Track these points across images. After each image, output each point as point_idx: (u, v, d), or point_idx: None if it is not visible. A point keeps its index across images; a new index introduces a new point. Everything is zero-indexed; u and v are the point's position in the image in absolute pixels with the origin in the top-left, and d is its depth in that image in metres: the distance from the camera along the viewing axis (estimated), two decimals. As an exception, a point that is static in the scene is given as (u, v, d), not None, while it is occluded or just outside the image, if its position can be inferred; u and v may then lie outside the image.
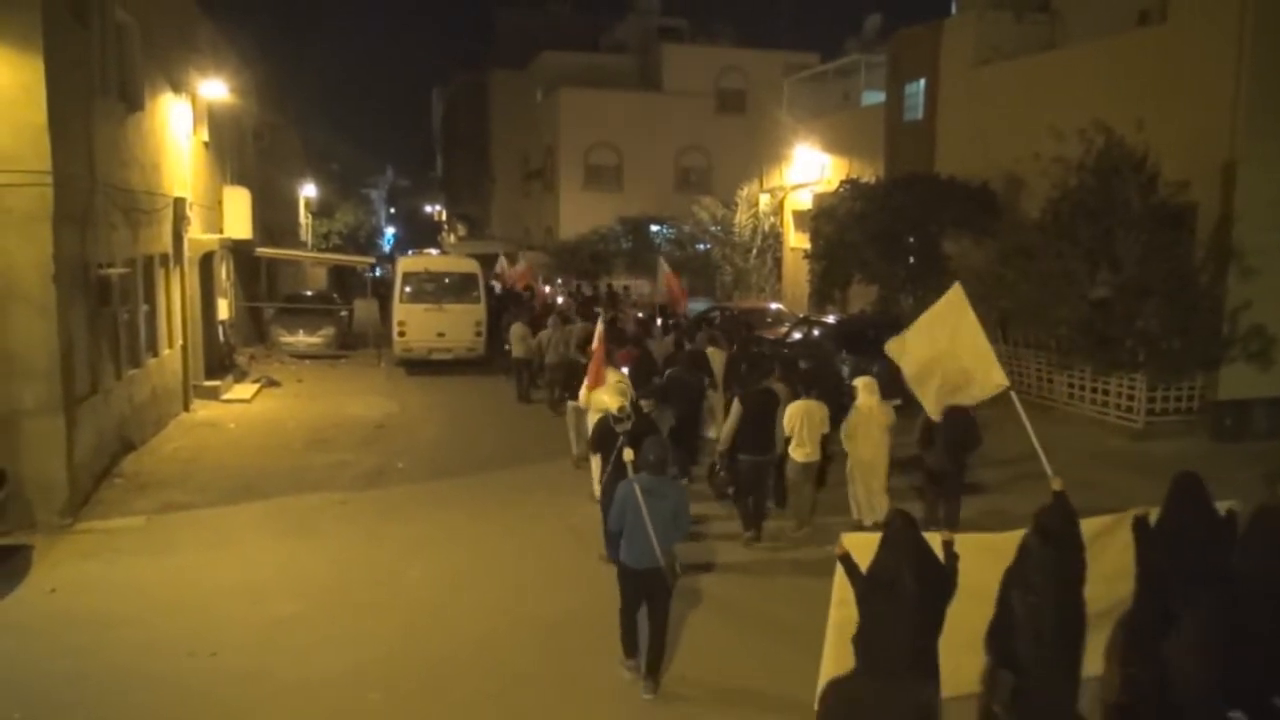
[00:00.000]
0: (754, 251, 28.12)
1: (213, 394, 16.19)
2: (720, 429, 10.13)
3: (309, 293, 28.27)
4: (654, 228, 34.12)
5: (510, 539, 9.68)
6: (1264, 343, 12.91)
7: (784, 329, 18.59)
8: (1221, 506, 5.36)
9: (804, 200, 25.58)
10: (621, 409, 8.37)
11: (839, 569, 5.10)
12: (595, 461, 9.78)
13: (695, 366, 11.84)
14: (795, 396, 9.52)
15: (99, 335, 11.22)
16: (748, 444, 9.33)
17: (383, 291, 25.74)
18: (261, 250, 22.34)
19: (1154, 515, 5.35)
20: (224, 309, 19.34)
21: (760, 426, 9.34)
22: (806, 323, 18.06)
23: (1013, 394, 6.64)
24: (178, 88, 15.49)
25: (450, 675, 6.78)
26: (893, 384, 9.27)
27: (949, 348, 7.02)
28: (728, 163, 34.23)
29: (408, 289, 19.86)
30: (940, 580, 4.80)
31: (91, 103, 11.09)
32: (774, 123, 28.03)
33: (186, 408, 15.26)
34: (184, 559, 8.96)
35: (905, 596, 4.54)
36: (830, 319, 18.06)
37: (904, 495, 9.83)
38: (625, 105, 37.62)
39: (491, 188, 51.19)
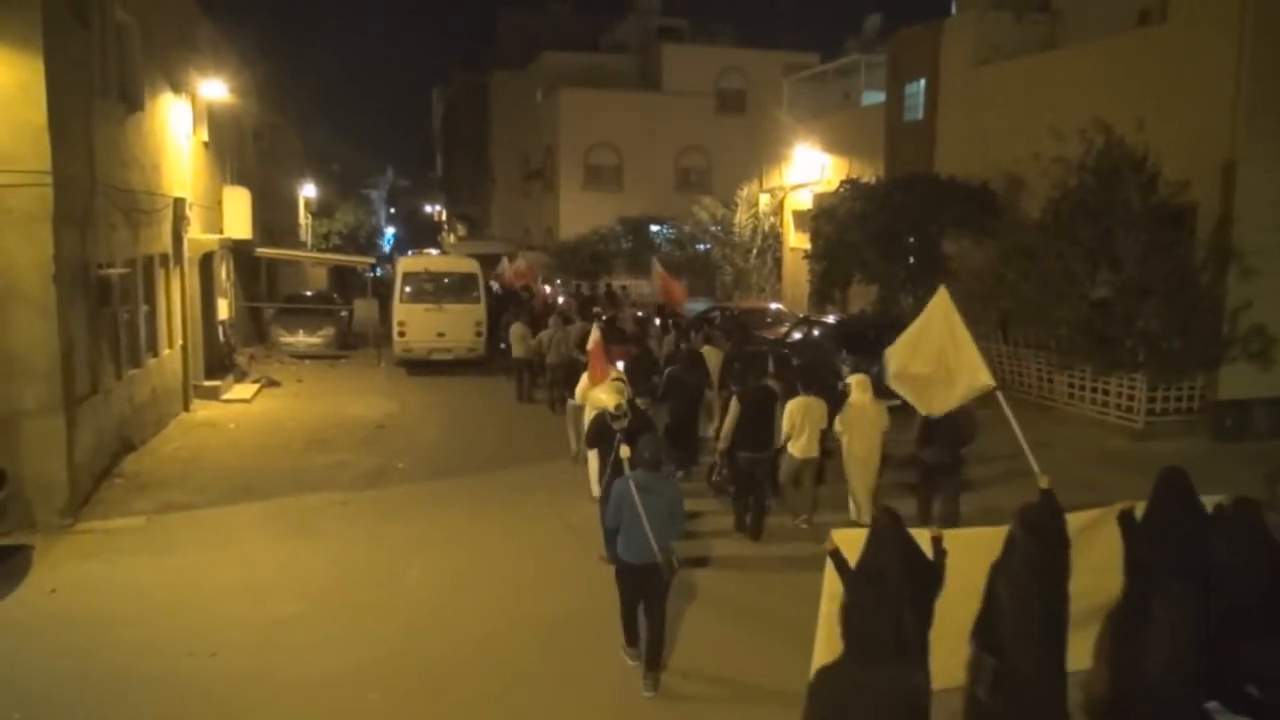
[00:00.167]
0: (754, 251, 28.13)
1: (213, 394, 16.19)
2: (716, 427, 10.16)
3: (309, 293, 28.26)
4: (654, 228, 34.14)
5: (510, 539, 9.68)
6: (1264, 342, 12.92)
7: (784, 329, 18.59)
8: (1209, 502, 5.42)
9: (804, 200, 25.58)
10: (618, 406, 8.44)
11: (829, 564, 5.20)
12: (592, 458, 9.85)
13: (694, 366, 11.88)
14: (791, 394, 9.58)
15: (99, 335, 11.22)
16: (746, 441, 9.40)
17: (382, 291, 25.74)
18: (261, 250, 22.34)
19: (1140, 509, 5.41)
20: (224, 309, 19.34)
21: (758, 424, 9.40)
22: (806, 323, 18.06)
23: (999, 394, 6.69)
24: (178, 88, 15.49)
25: (450, 675, 6.77)
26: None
27: (938, 350, 7.04)
28: (728, 163, 34.25)
29: (408, 289, 19.85)
30: (928, 575, 4.91)
31: (91, 103, 11.09)
32: (774, 123, 28.04)
33: (186, 408, 15.26)
34: (184, 559, 8.95)
35: (893, 590, 4.62)
36: (830, 319, 18.06)
37: (899, 492, 9.87)
38: (625, 105, 37.64)
39: (491, 188, 51.21)
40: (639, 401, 9.59)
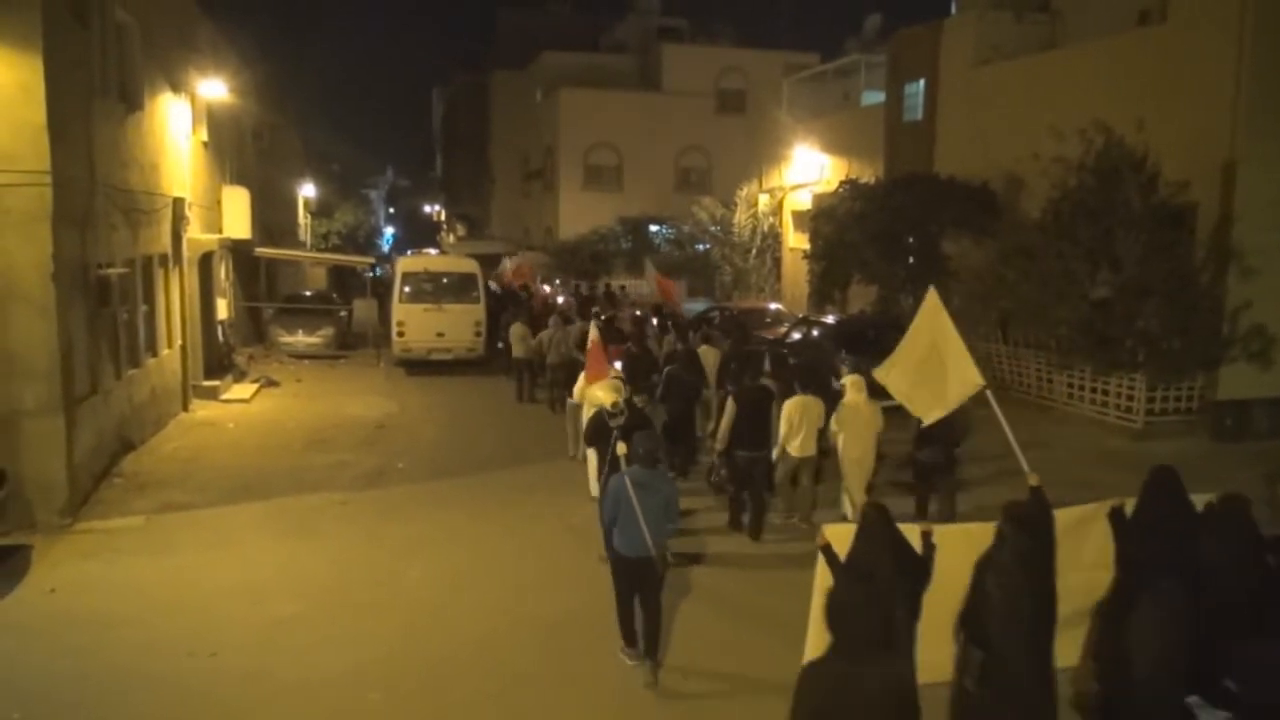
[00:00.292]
0: (753, 252, 28.13)
1: (212, 394, 16.18)
2: (713, 427, 10.21)
3: (308, 293, 28.25)
4: (654, 228, 34.13)
5: (510, 539, 9.68)
6: (1264, 343, 12.92)
7: (783, 329, 18.58)
8: (1199, 501, 5.45)
9: (803, 200, 25.58)
10: (615, 404, 8.54)
11: (820, 559, 5.30)
12: (592, 457, 9.90)
13: (691, 365, 11.93)
14: (788, 393, 9.62)
15: (98, 335, 11.21)
16: (743, 440, 9.45)
17: (381, 291, 25.74)
18: (261, 250, 22.34)
19: (1130, 507, 5.46)
20: (223, 309, 19.32)
21: (754, 423, 9.46)
22: (806, 323, 18.05)
23: (989, 393, 6.71)
24: (177, 88, 15.49)
25: (450, 675, 6.77)
26: None
27: (929, 353, 7.07)
28: (727, 163, 34.24)
29: (407, 289, 19.84)
30: (916, 569, 5.02)
31: (91, 103, 11.09)
32: (774, 123, 28.04)
33: (186, 408, 15.26)
34: (184, 559, 8.95)
35: (881, 584, 4.68)
36: (829, 319, 18.05)
37: (895, 492, 9.91)
38: (625, 105, 37.63)
39: (491, 188, 51.22)
40: (637, 400, 9.66)
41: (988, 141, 17.61)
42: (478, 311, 20.00)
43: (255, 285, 24.96)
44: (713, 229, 29.32)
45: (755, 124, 31.97)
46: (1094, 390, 13.97)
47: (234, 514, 10.35)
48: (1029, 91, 16.90)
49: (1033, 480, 5.68)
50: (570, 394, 11.96)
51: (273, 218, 28.00)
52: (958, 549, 5.14)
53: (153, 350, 13.80)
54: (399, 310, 19.78)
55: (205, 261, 17.41)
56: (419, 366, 19.78)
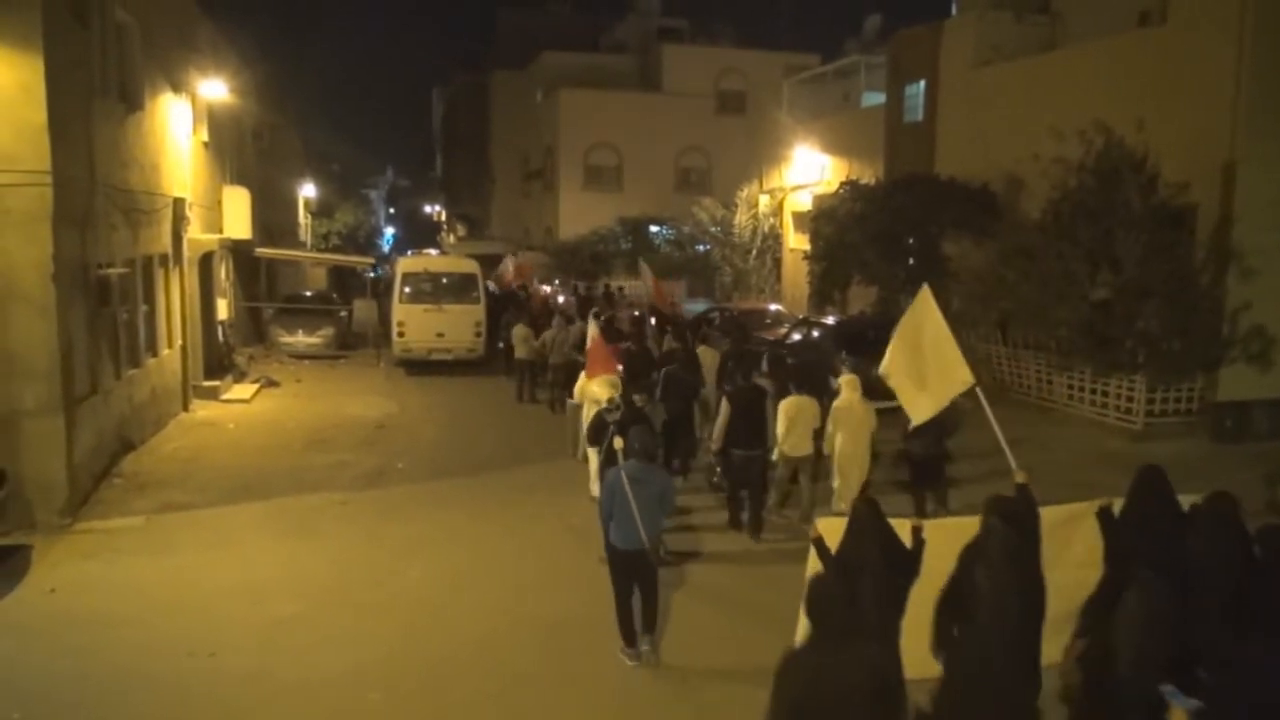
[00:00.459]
0: (754, 252, 28.13)
1: (212, 394, 16.18)
2: (710, 426, 10.39)
3: (308, 293, 28.25)
4: (654, 228, 34.13)
5: (510, 539, 9.68)
6: (1264, 344, 12.91)
7: (783, 330, 18.59)
8: (1185, 501, 5.53)
9: (804, 201, 25.58)
10: (610, 399, 8.70)
11: (812, 552, 5.40)
12: (593, 456, 9.98)
13: (689, 365, 12.03)
14: (784, 393, 9.71)
15: (99, 335, 11.22)
16: (739, 440, 9.52)
17: (380, 291, 25.73)
18: (261, 250, 22.33)
19: (1118, 505, 5.54)
20: (223, 309, 19.32)
21: (749, 422, 9.53)
22: (806, 324, 18.05)
23: (978, 391, 6.77)
24: (178, 88, 15.49)
25: (450, 675, 6.77)
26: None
27: (921, 350, 7.11)
28: (727, 164, 34.24)
29: (407, 289, 19.85)
30: (904, 564, 5.14)
31: (91, 103, 11.09)
32: (774, 124, 28.04)
33: (186, 408, 15.26)
34: (184, 559, 8.95)
35: (866, 577, 4.84)
36: (830, 320, 18.05)
37: (890, 490, 9.97)
38: (625, 106, 37.65)
39: (491, 188, 51.22)
40: (637, 398, 9.76)
41: (988, 142, 17.61)
42: (478, 312, 20.01)
43: (255, 285, 24.96)
44: (713, 230, 29.33)
45: (755, 125, 31.97)
46: (1094, 391, 13.97)
47: (234, 514, 10.35)
48: (1029, 92, 16.90)
49: (1019, 477, 5.77)
50: (571, 394, 12.02)
51: (273, 218, 28.00)
52: (946, 542, 5.22)
53: (153, 350, 13.80)
54: (399, 310, 19.78)
55: (205, 261, 17.41)
56: (419, 367, 19.78)
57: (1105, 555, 5.46)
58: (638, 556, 6.72)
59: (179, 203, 15.21)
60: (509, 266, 27.85)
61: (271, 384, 18.09)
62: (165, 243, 14.57)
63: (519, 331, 16.92)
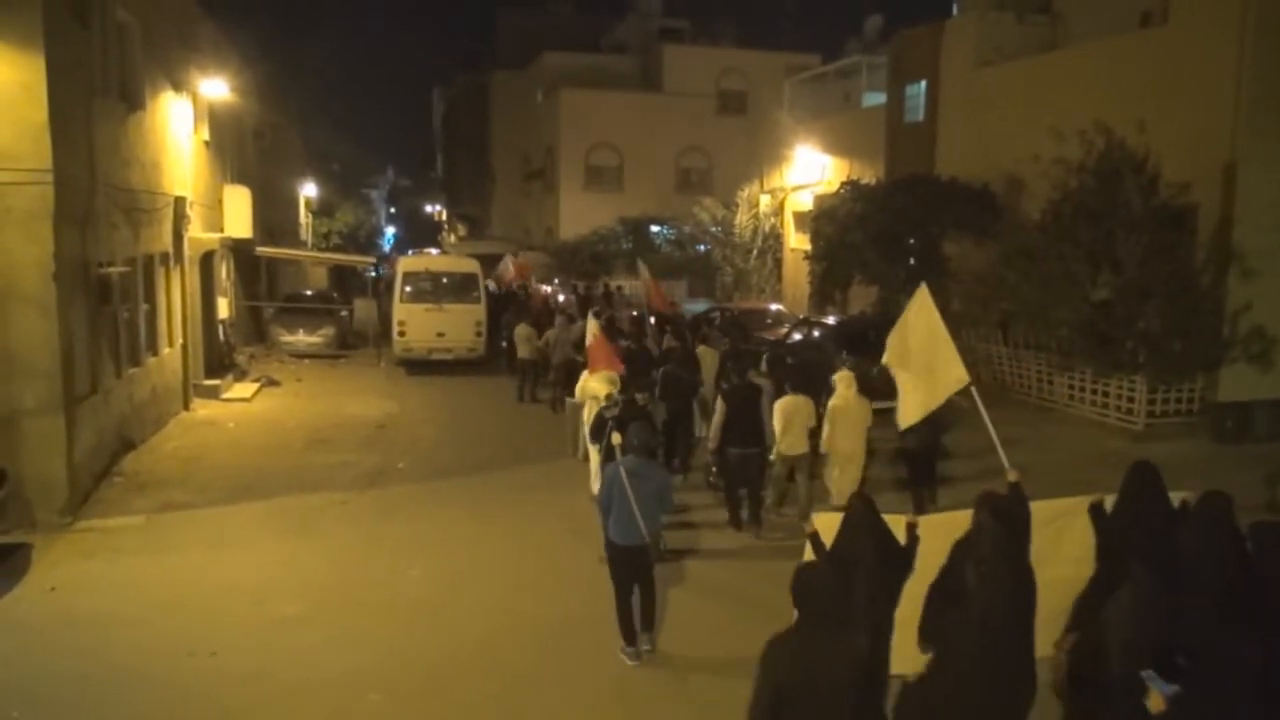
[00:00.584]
0: (754, 252, 28.12)
1: (213, 393, 16.18)
2: (708, 425, 10.51)
3: (309, 292, 28.25)
4: (654, 228, 34.12)
5: (511, 539, 9.68)
6: (1265, 344, 12.91)
7: (784, 330, 18.59)
8: (1176, 497, 5.66)
9: (804, 201, 25.58)
10: (609, 396, 8.84)
11: (808, 546, 5.54)
12: (594, 453, 10.05)
13: (687, 364, 12.13)
14: (782, 393, 9.79)
15: (99, 334, 11.21)
16: (734, 438, 9.61)
17: (380, 290, 25.73)
18: (262, 250, 22.32)
19: (1110, 502, 5.65)
20: (224, 308, 19.33)
21: (745, 420, 9.62)
22: (806, 323, 18.05)
23: (973, 389, 6.81)
24: (178, 87, 15.49)
25: (451, 675, 6.77)
26: (890, 386, 9.41)
27: (918, 350, 7.15)
28: (728, 164, 34.23)
29: (408, 289, 19.85)
30: (898, 559, 5.27)
31: (92, 102, 11.09)
32: (775, 124, 28.04)
33: (186, 407, 15.26)
34: (184, 558, 8.95)
35: (859, 570, 4.98)
36: (830, 320, 18.05)
37: (886, 487, 10.09)
38: (626, 106, 37.64)
39: (492, 188, 51.22)
40: (638, 396, 9.87)
41: (989, 143, 17.61)
42: (478, 311, 20.02)
43: (256, 284, 24.96)
44: (714, 230, 29.32)
45: (756, 125, 31.97)
46: (1095, 392, 13.96)
47: (234, 513, 10.35)
48: (1030, 93, 16.90)
49: (1012, 476, 5.87)
50: (571, 393, 12.06)
51: (274, 217, 28.00)
52: (938, 538, 5.30)
53: (153, 349, 13.80)
54: (400, 310, 19.78)
55: (206, 260, 17.41)
56: (419, 366, 19.78)
57: (1097, 550, 5.54)
58: (637, 552, 6.79)
59: (180, 202, 15.21)
60: (508, 266, 27.85)
61: (272, 383, 18.09)
62: (166, 242, 14.57)
63: (521, 331, 16.92)
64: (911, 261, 17.17)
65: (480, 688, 6.57)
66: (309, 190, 38.56)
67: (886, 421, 9.52)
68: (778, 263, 27.89)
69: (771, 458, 9.81)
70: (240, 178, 21.14)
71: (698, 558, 9.02)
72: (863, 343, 14.18)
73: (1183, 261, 12.77)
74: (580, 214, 35.88)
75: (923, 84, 20.37)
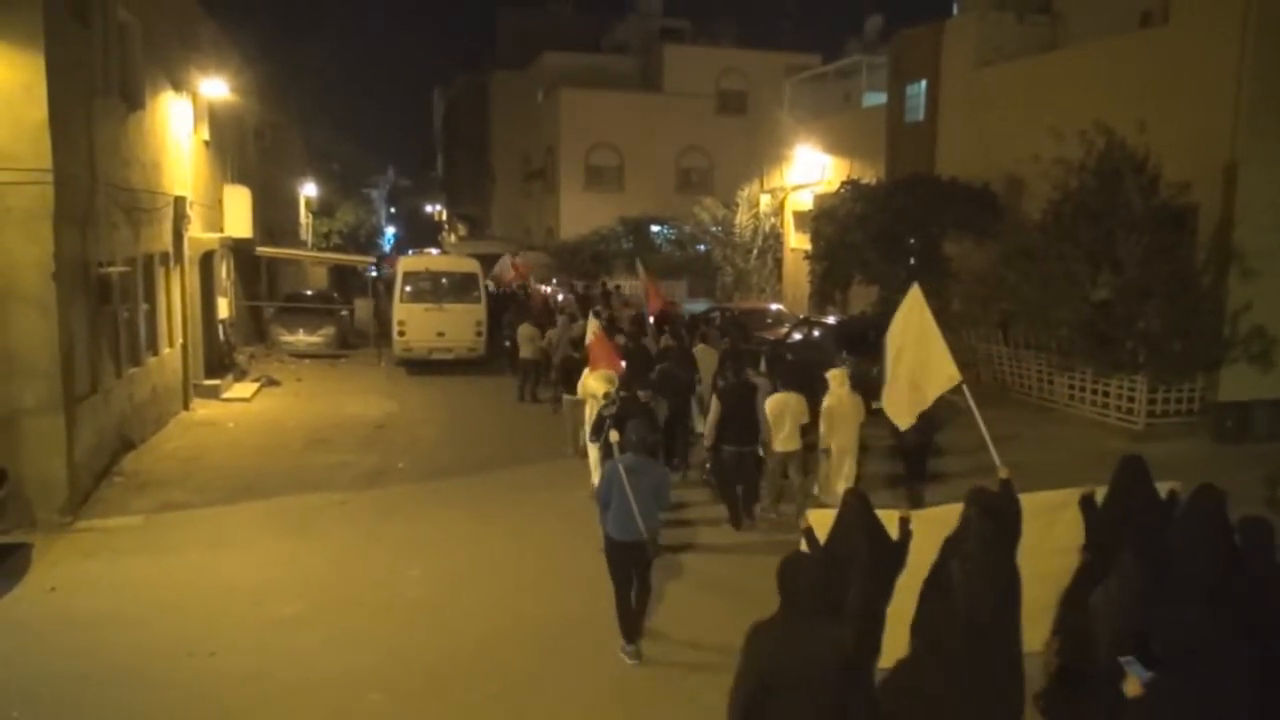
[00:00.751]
0: (754, 252, 28.12)
1: (213, 393, 16.18)
2: (704, 422, 10.64)
3: (309, 292, 28.25)
4: (655, 228, 34.12)
5: (510, 539, 9.68)
6: (1265, 344, 12.91)
7: (784, 330, 18.59)
8: (1163, 487, 5.85)
9: (805, 201, 25.58)
10: (607, 394, 8.96)
11: (803, 541, 5.62)
12: (593, 451, 10.13)
13: (684, 362, 12.27)
14: (778, 390, 9.90)
15: (99, 334, 11.21)
16: (730, 436, 9.72)
17: (379, 290, 25.73)
18: (262, 249, 22.33)
19: (1101, 494, 5.79)
20: (224, 308, 19.33)
21: (740, 418, 9.73)
22: (806, 323, 18.05)
23: (964, 388, 6.89)
24: (179, 86, 15.49)
25: (451, 675, 6.77)
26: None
27: (910, 347, 7.21)
28: (728, 163, 34.23)
29: (408, 289, 19.85)
30: (891, 554, 5.37)
31: (92, 101, 11.09)
32: (775, 123, 28.03)
33: (186, 407, 15.25)
34: (183, 558, 8.95)
35: (851, 564, 5.09)
36: (830, 320, 18.06)
37: (880, 484, 10.16)
38: (626, 106, 37.64)
39: (492, 188, 51.22)
40: (640, 394, 9.99)
41: (989, 143, 17.59)
42: (479, 311, 20.02)
43: (256, 284, 24.96)
44: (714, 229, 29.31)
45: (756, 125, 31.96)
46: (1095, 391, 13.96)
47: (234, 513, 10.35)
48: (1030, 93, 16.89)
49: (1003, 473, 5.95)
50: (568, 391, 12.22)
51: (274, 217, 27.99)
52: (930, 533, 5.37)
53: (153, 349, 13.80)
54: (400, 310, 19.79)
55: (206, 260, 17.41)
56: (420, 366, 19.78)
57: (1086, 541, 5.64)
58: (635, 548, 6.85)
59: (180, 201, 15.21)
60: (507, 266, 27.84)
61: (272, 383, 18.09)
62: (166, 241, 14.57)
63: (524, 331, 16.89)
64: (912, 261, 17.16)
65: (480, 688, 6.57)
66: (309, 190, 38.54)
67: (880, 419, 9.57)
68: (778, 263, 27.89)
69: (762, 453, 9.91)
70: (240, 177, 21.13)
71: (696, 553, 9.08)
72: (863, 342, 14.19)
73: (1183, 261, 12.77)
74: (580, 214, 35.89)
75: (923, 84, 20.37)
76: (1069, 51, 17.06)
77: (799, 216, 26.33)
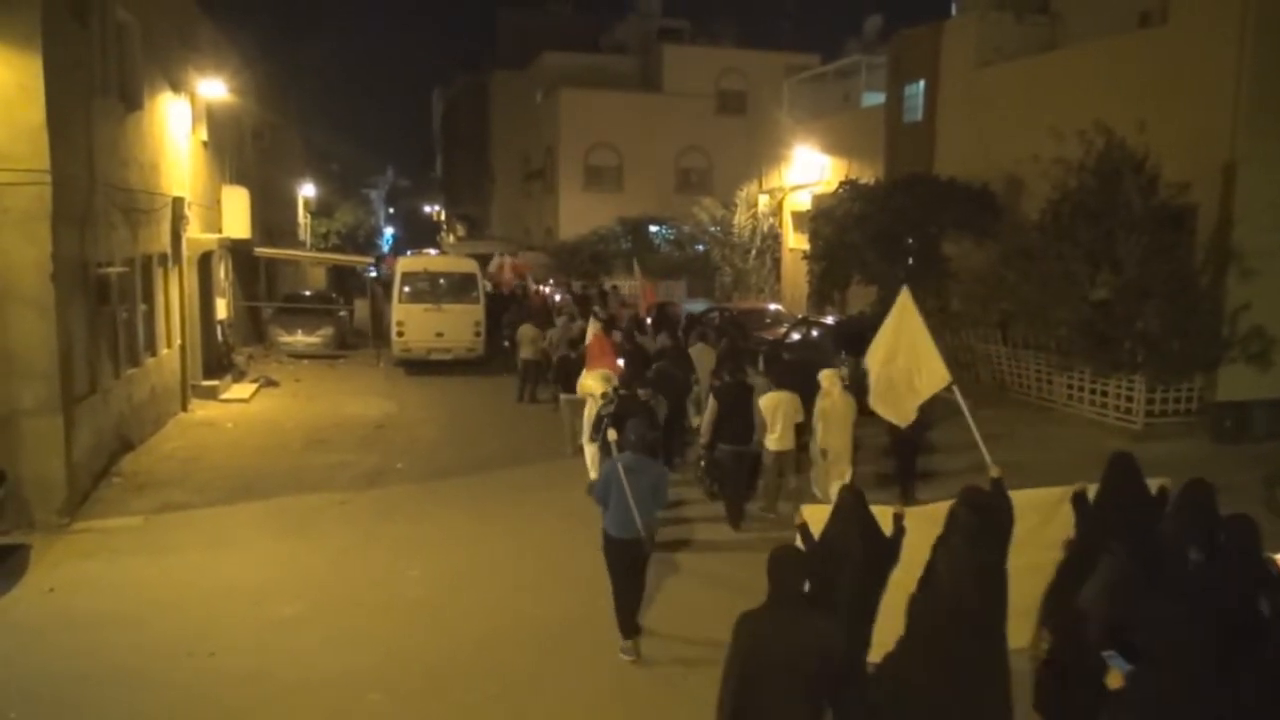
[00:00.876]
0: (753, 252, 28.13)
1: (211, 394, 16.17)
2: (700, 419, 10.78)
3: (308, 292, 28.24)
4: (653, 228, 34.13)
5: (510, 539, 9.68)
6: (1263, 344, 12.91)
7: (783, 330, 18.60)
8: (1154, 484, 5.96)
9: (803, 201, 25.58)
10: (604, 394, 9.01)
11: (798, 536, 5.71)
12: (589, 450, 10.23)
13: (680, 361, 12.32)
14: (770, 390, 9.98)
15: (98, 335, 11.21)
16: (726, 435, 9.78)
17: (377, 290, 25.74)
18: (260, 250, 22.32)
19: (1093, 491, 5.89)
20: (222, 308, 19.31)
21: (736, 417, 9.78)
22: (805, 323, 18.06)
23: (954, 388, 6.98)
24: (177, 87, 15.48)
25: (450, 676, 6.76)
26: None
27: (902, 349, 7.29)
28: (727, 164, 34.25)
29: (407, 289, 19.85)
30: (884, 549, 5.47)
31: (91, 102, 11.08)
32: (774, 124, 28.03)
33: (185, 407, 15.24)
34: (182, 559, 8.94)
35: (850, 561, 5.15)
36: (829, 320, 18.07)
37: (872, 482, 10.19)
38: (625, 106, 37.66)
39: (491, 188, 51.22)
40: (640, 393, 10.05)
41: (988, 143, 17.60)
42: (477, 312, 20.01)
43: (255, 285, 24.95)
44: (713, 230, 29.32)
45: (755, 125, 31.98)
46: (1094, 391, 13.96)
47: (233, 514, 10.34)
48: (1029, 93, 16.90)
49: (994, 472, 6.04)
50: (565, 390, 12.33)
51: (272, 217, 27.99)
52: (923, 530, 5.44)
53: (152, 350, 13.79)
54: (399, 310, 19.78)
55: (205, 261, 17.40)
56: (418, 366, 19.77)
57: (1075, 536, 5.74)
58: (633, 545, 6.90)
59: (178, 202, 15.20)
60: (501, 265, 27.83)
61: (270, 384, 18.08)
62: (164, 242, 14.56)
63: (526, 332, 16.84)
64: (910, 261, 17.16)
65: (480, 688, 6.57)
66: (308, 190, 38.55)
67: (874, 418, 9.59)
68: (776, 263, 27.89)
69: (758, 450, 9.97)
70: (239, 178, 21.13)
71: (695, 551, 9.12)
72: (861, 342, 14.13)
73: (1182, 261, 12.77)
74: (580, 214, 35.89)
75: (922, 84, 20.37)
76: (1068, 52, 17.06)
77: (798, 216, 26.33)
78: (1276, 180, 12.58)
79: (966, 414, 6.77)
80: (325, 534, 9.74)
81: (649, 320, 17.53)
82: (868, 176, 19.99)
